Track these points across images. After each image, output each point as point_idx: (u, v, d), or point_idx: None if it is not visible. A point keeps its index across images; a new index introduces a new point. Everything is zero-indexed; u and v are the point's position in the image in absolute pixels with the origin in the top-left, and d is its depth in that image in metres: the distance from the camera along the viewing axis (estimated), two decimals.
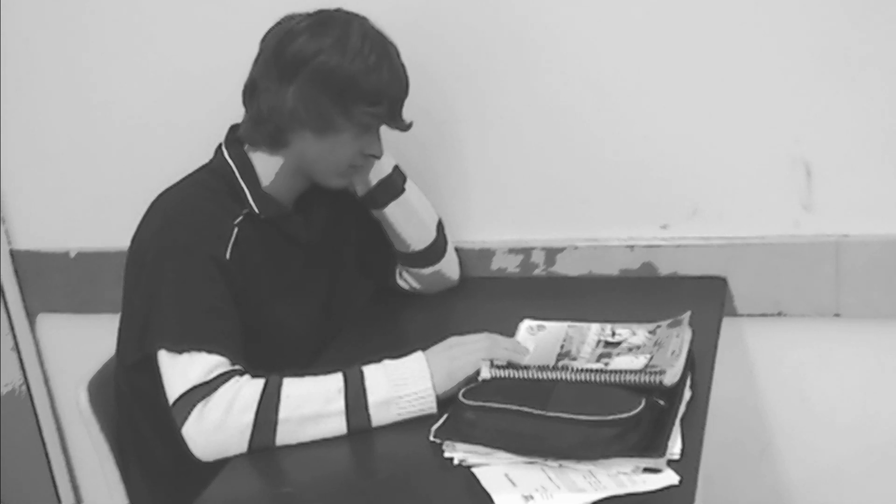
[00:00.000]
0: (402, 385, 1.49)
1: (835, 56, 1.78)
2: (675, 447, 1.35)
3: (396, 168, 1.83)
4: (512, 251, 2.01)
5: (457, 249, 1.99)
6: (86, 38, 2.11)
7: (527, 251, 2.01)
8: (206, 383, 1.47)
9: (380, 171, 1.80)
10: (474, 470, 1.36)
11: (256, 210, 1.67)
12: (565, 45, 1.89)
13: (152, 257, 1.59)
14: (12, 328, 2.34)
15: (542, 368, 1.49)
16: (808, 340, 1.92)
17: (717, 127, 1.87)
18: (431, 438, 1.43)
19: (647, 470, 1.31)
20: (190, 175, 1.72)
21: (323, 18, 1.64)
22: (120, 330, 1.69)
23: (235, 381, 1.48)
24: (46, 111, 2.20)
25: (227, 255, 1.60)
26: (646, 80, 1.87)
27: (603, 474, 1.31)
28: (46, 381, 2.42)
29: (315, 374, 1.52)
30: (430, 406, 1.50)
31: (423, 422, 1.48)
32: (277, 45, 1.63)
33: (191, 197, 1.66)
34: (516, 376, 1.49)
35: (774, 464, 2.02)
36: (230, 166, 1.69)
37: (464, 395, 1.43)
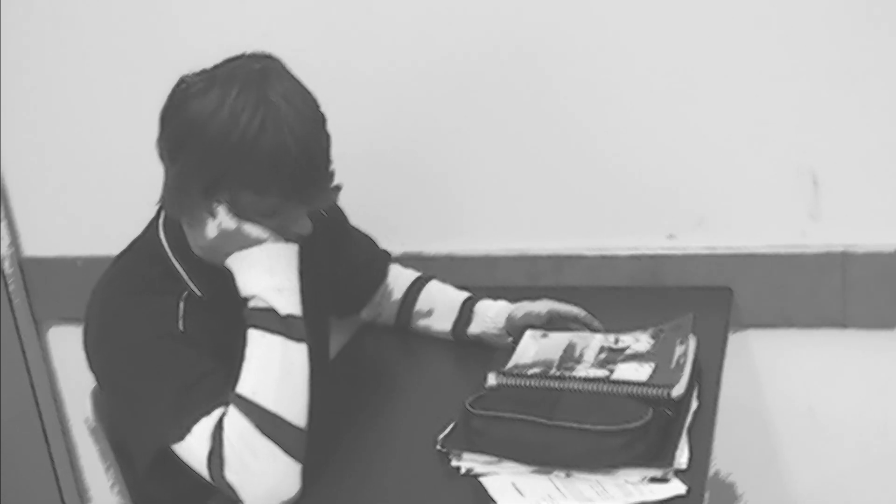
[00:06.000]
0: (272, 275, 1.46)
1: (842, 66, 1.78)
2: (682, 457, 1.35)
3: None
4: (518, 260, 2.02)
5: (462, 259, 2.00)
6: (94, 45, 2.11)
7: (533, 260, 2.01)
8: (212, 448, 1.39)
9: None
10: (482, 479, 1.36)
11: (198, 293, 1.54)
12: (572, 55, 1.89)
13: (107, 366, 1.52)
14: (20, 336, 2.34)
15: (548, 377, 1.49)
16: (814, 351, 1.92)
17: (724, 137, 1.87)
18: (438, 447, 1.43)
19: (654, 480, 1.31)
20: (121, 258, 1.61)
21: (201, 92, 1.47)
22: (116, 424, 1.62)
23: (220, 430, 1.39)
24: (53, 119, 2.20)
25: (181, 328, 1.50)
26: (653, 90, 1.87)
27: (610, 484, 1.31)
28: (53, 389, 2.42)
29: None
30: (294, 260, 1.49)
31: (429, 431, 1.47)
32: (160, 121, 1.50)
33: (126, 294, 1.54)
34: (523, 384, 1.49)
35: (782, 475, 2.01)
36: (164, 248, 1.57)
37: (471, 404, 1.43)
